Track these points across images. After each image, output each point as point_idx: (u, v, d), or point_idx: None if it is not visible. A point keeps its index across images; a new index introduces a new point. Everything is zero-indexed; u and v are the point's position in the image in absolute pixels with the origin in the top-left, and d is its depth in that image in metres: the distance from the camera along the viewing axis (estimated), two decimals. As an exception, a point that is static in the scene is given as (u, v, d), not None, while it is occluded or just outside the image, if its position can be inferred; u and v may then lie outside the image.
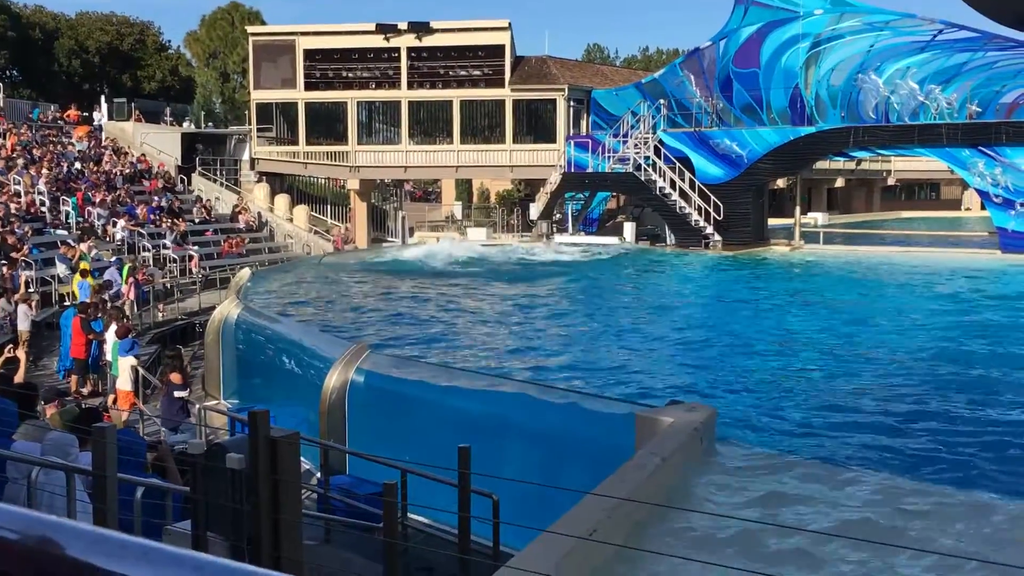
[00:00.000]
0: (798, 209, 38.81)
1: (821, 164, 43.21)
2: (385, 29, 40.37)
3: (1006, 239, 31.18)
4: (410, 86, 40.79)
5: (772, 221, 38.96)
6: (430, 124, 42.60)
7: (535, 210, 38.43)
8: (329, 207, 45.12)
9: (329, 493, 8.95)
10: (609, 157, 35.97)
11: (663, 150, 35.39)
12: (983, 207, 33.91)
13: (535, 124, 41.39)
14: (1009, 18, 32.03)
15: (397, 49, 40.52)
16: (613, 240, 35.83)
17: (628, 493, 6.61)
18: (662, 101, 36.55)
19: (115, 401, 14.79)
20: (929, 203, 68.39)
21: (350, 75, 41.47)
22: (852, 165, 52.64)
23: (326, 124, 42.82)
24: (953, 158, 32.06)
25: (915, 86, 32.84)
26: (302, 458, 6.23)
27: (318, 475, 9.98)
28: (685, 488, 7.99)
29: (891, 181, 64.58)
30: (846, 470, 8.72)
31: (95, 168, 35.71)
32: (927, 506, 7.69)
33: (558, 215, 38.48)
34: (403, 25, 40.28)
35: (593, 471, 7.59)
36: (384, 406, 11.84)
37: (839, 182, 59.64)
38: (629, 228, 36.32)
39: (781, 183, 47.91)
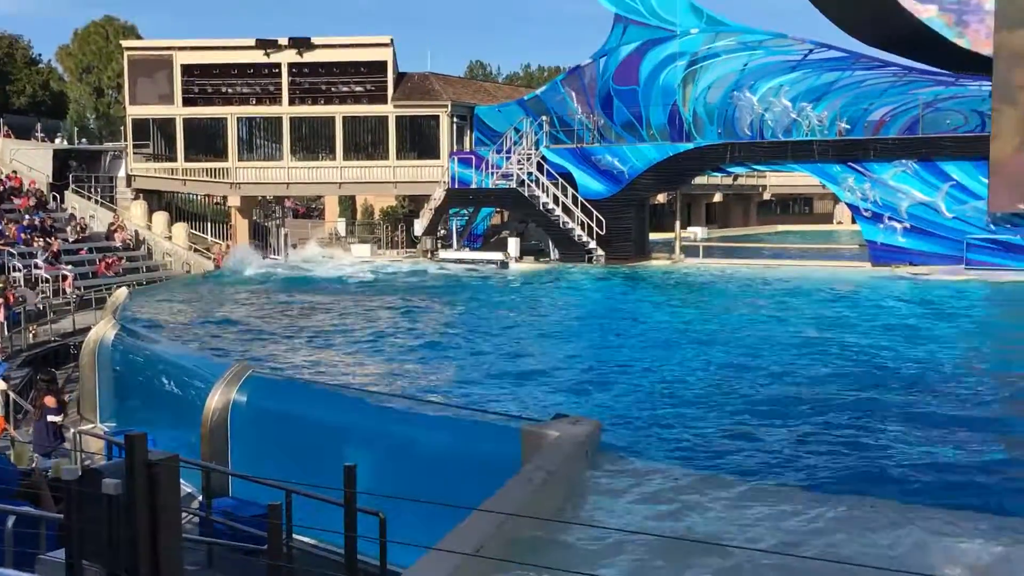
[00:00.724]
0: (678, 223, 39.62)
1: (700, 179, 44.11)
2: (265, 45, 39.88)
3: (875, 251, 32.36)
4: (292, 102, 40.36)
5: (653, 235, 39.70)
6: (312, 140, 42.20)
7: (419, 226, 38.37)
8: (209, 225, 44.24)
9: (211, 516, 8.77)
10: (493, 173, 36.19)
11: (546, 166, 35.75)
12: (854, 221, 35.06)
13: (419, 140, 41.37)
14: (874, 39, 33.40)
15: (278, 65, 40.06)
16: (498, 255, 35.99)
17: (515, 508, 6.65)
18: (544, 118, 36.95)
19: (-16, 427, 14.23)
20: (803, 217, 70.55)
21: (230, 91, 40.80)
22: (729, 180, 53.97)
23: (205, 140, 42.03)
24: (825, 173, 33.14)
25: (788, 104, 33.87)
26: (183, 481, 6.09)
27: (200, 498, 9.77)
28: (571, 501, 8.07)
29: (767, 196, 66.42)
30: (729, 480, 8.92)
31: (-40, 186, 34.38)
32: (807, 512, 7.92)
33: (443, 231, 38.48)
34: (284, 41, 39.84)
35: (480, 486, 7.60)
36: (268, 426, 11.65)
37: (717, 197, 61.08)
38: (513, 243, 36.54)
39: (661, 198, 48.82)
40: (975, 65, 31.08)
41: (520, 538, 6.81)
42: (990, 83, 29.73)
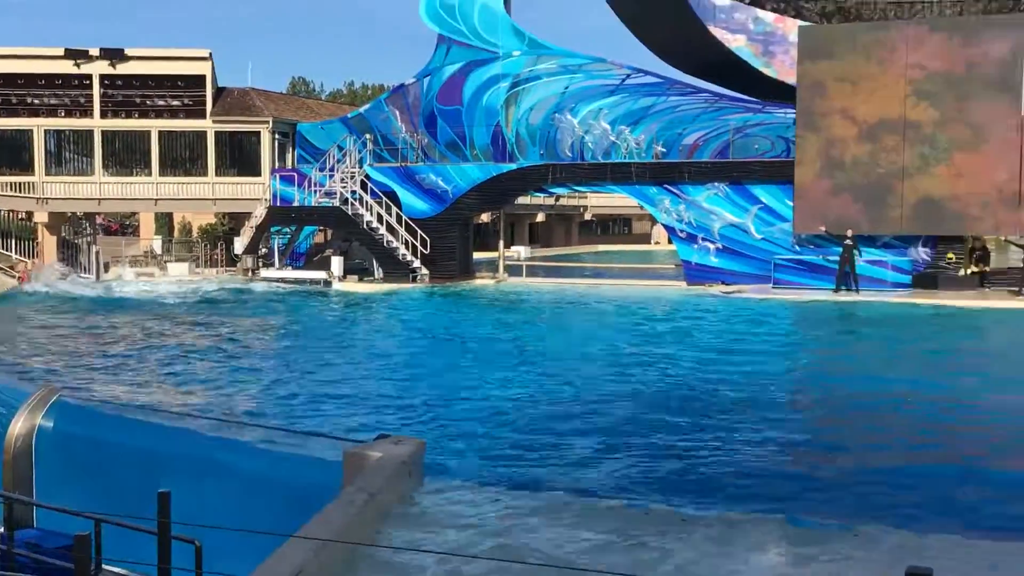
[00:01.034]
0: (501, 243, 40.08)
1: (523, 200, 44.86)
2: (75, 55, 38.30)
3: (690, 271, 33.55)
4: (104, 115, 38.88)
5: (477, 255, 40.00)
6: (126, 155, 40.68)
7: (240, 244, 37.58)
8: (13, 241, 42.04)
9: (13, 549, 8.33)
10: (316, 191, 35.81)
11: (370, 184, 35.61)
12: (670, 241, 36.19)
13: (239, 157, 40.51)
14: (688, 65, 34.71)
15: (89, 76, 38.54)
16: (321, 274, 35.61)
17: (334, 532, 6.59)
18: (368, 136, 36.80)
19: None
20: (622, 237, 72.60)
21: (36, 102, 38.97)
22: (552, 201, 54.96)
23: (9, 153, 39.97)
24: (642, 195, 34.16)
25: (607, 126, 34.76)
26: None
27: (1, 530, 9.27)
28: (393, 522, 8.05)
29: (588, 216, 68.10)
30: (558, 499, 9.08)
31: None
32: (626, 531, 8.14)
33: (264, 249, 37.80)
34: (95, 51, 38.35)
35: (301, 509, 7.50)
36: (77, 452, 11.16)
37: (540, 217, 62.19)
38: (337, 262, 36.22)
39: (485, 218, 49.34)
40: (781, 93, 32.70)
41: (341, 561, 6.75)
42: (794, 111, 31.31)
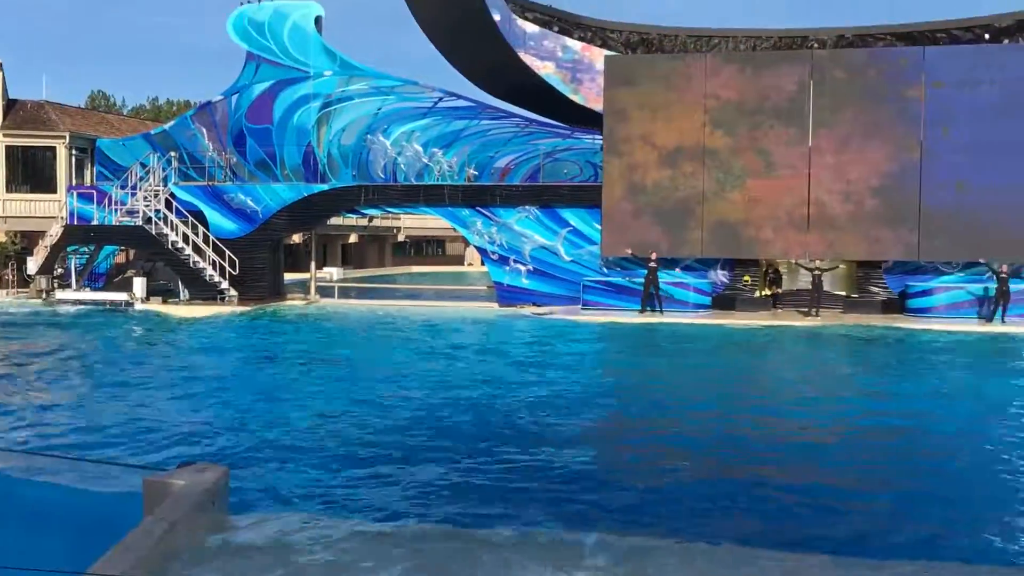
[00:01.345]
0: (313, 264, 39.62)
1: (335, 220, 44.46)
2: None
3: (502, 293, 34.05)
4: None
5: (288, 275, 39.41)
6: (-94, 168, 38.27)
7: (33, 264, 35.81)
8: None
9: None
10: (116, 210, 34.52)
11: (175, 203, 34.61)
12: (483, 263, 36.58)
13: (32, 173, 38.72)
14: (500, 90, 35.31)
15: None
16: (122, 296, 34.29)
17: (133, 563, 6.42)
18: (173, 153, 35.79)
19: None
20: (436, 259, 72.91)
21: None
22: (365, 222, 54.69)
23: None
24: (455, 217, 34.47)
25: (419, 149, 34.95)
26: None
27: None
28: (196, 554, 7.88)
29: (401, 237, 68.05)
30: (360, 524, 9.08)
31: None
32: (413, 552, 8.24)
33: (60, 270, 36.12)
34: None
35: (102, 542, 7.24)
36: None
37: (353, 238, 61.74)
38: (140, 283, 34.96)
39: (297, 238, 48.62)
40: (589, 119, 33.69)
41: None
42: (601, 136, 32.29)
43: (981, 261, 29.79)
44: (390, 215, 52.61)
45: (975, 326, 28.61)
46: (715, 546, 8.33)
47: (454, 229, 36.33)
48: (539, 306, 32.95)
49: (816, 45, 33.26)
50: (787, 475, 11.66)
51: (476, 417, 14.71)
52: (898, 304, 31.20)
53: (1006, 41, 32.03)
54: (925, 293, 30.98)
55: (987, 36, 32.34)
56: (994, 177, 29.40)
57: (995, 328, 28.28)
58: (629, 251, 31.82)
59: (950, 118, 29.68)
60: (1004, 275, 29.27)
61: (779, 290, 32.29)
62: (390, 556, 7.87)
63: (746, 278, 32.66)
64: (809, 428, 14.57)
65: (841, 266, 31.91)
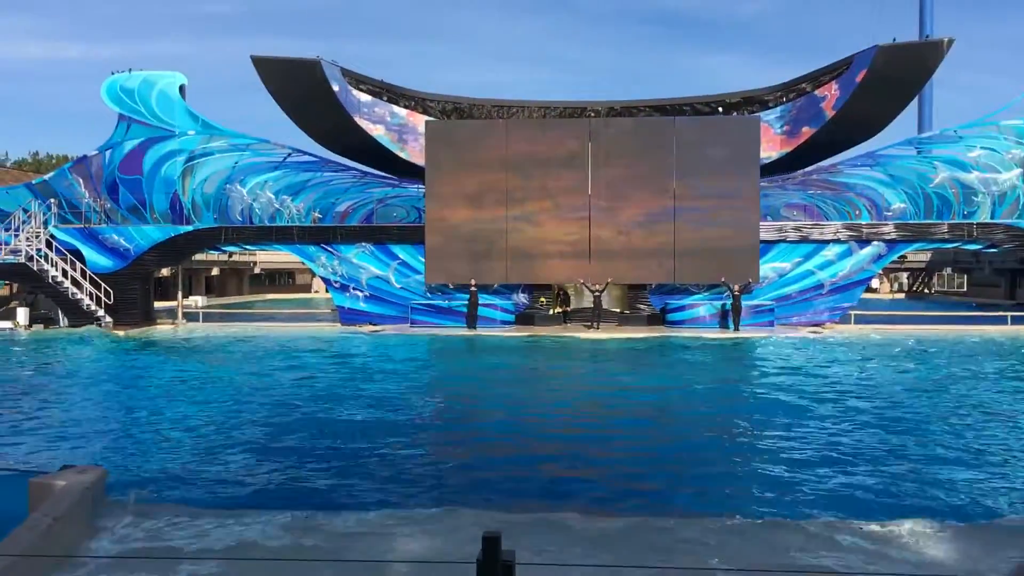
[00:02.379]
0: (180, 293, 38.27)
1: (200, 256, 43.02)
2: None
3: (344, 314, 33.79)
4: None
5: (159, 303, 37.85)
6: None
7: (-78, 298, 33.17)
8: None
9: None
10: (1, 249, 32.41)
11: (55, 243, 32.79)
12: (327, 290, 36.17)
13: (-79, 217, 35.77)
14: (338, 148, 35.07)
15: None
16: (7, 324, 32.19)
17: (23, 550, 6.20)
18: (53, 200, 33.90)
19: None
20: (288, 287, 71.37)
21: None
22: (225, 257, 53.11)
23: None
24: (303, 253, 34.00)
25: (272, 196, 34.31)
26: None
27: None
28: (76, 545, 7.62)
29: (257, 270, 66.35)
30: (228, 514, 8.94)
31: None
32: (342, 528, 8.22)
33: (-53, 303, 33.58)
34: None
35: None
36: None
37: (215, 271, 59.80)
38: (22, 312, 32.92)
39: (166, 272, 46.74)
40: (413, 172, 33.90)
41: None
42: (423, 186, 32.55)
43: (721, 281, 31.58)
44: (247, 251, 51.24)
45: (717, 333, 30.31)
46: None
47: (302, 263, 35.78)
48: (375, 324, 32.86)
49: (592, 114, 34.59)
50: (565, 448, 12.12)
51: (325, 411, 14.61)
52: (660, 318, 32.68)
53: (735, 113, 34.18)
54: (680, 308, 32.59)
55: (720, 109, 34.42)
56: (726, 218, 31.26)
57: (732, 334, 30.04)
58: (451, 284, 32.26)
59: (694, 172, 31.40)
60: (736, 293, 31.13)
61: (568, 308, 33.27)
62: (268, 532, 7.83)
63: (541, 299, 33.52)
64: (584, 410, 15.16)
65: (609, 281, 33.15)
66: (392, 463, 11.28)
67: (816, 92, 33.02)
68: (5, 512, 7.87)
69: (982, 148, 32.51)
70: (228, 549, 7.48)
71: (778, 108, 33.83)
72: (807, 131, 33.01)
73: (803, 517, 8.67)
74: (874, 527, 8.21)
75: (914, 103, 56.84)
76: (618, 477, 10.58)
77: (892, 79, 30.79)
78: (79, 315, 32.19)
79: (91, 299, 32.41)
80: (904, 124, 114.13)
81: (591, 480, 10.45)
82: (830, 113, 32.31)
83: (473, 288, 31.48)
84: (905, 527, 8.15)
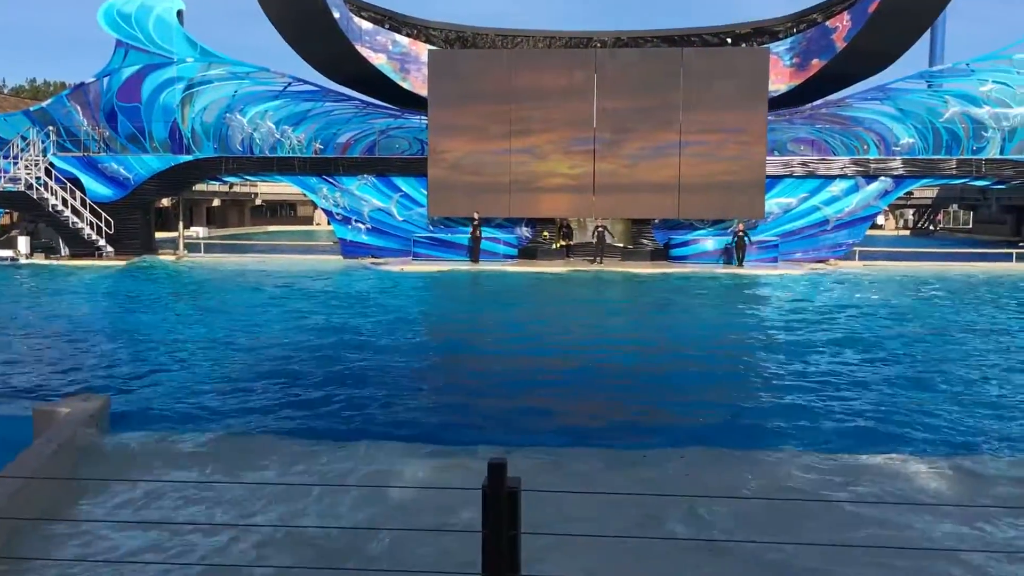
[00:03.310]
0: (181, 224, 38.17)
1: (200, 187, 42.81)
2: None
3: (345, 247, 33.74)
4: None
5: (160, 234, 37.81)
6: None
7: (-78, 227, 33.12)
8: None
9: None
10: (0, 177, 32.23)
11: (54, 172, 32.60)
12: (329, 222, 36.07)
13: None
14: (340, 77, 34.60)
15: None
16: (7, 252, 32.19)
17: (24, 480, 6.26)
18: (51, 128, 33.60)
19: None
20: (289, 219, 71.21)
21: None
22: (226, 188, 52.87)
23: None
24: (305, 184, 33.80)
25: (272, 126, 33.97)
26: None
27: None
28: (82, 468, 7.70)
29: (258, 202, 66.10)
30: (253, 438, 9.01)
31: None
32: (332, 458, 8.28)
33: (-52, 231, 33.54)
34: None
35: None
36: None
37: (216, 202, 59.57)
38: (23, 241, 32.89)
39: (166, 202, 46.58)
40: (416, 103, 33.50)
41: (37, 503, 6.42)
42: (426, 117, 32.20)
43: (732, 231, 31.40)
44: (248, 182, 50.94)
45: (721, 268, 30.28)
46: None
47: (304, 194, 35.59)
48: (377, 258, 32.82)
49: (598, 44, 34.01)
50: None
51: (335, 340, 14.67)
52: (664, 253, 32.60)
53: (744, 45, 33.61)
54: (684, 244, 32.49)
55: (729, 40, 33.84)
56: (732, 152, 30.97)
57: (737, 270, 30.01)
58: (450, 213, 32.11)
59: (700, 105, 31.00)
60: (741, 231, 31.01)
61: (571, 243, 33.17)
62: (264, 463, 7.90)
63: (544, 233, 33.40)
64: (588, 349, 15.21)
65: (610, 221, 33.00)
66: (393, 395, 11.35)
67: (827, 23, 32.43)
68: (11, 440, 7.94)
69: (994, 82, 32.04)
70: (228, 479, 7.55)
71: (788, 39, 33.26)
72: (817, 63, 32.50)
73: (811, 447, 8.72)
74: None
75: (926, 35, 55.91)
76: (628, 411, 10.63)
77: (905, 10, 30.17)
78: (80, 244, 32.17)
79: (92, 228, 32.34)
80: (916, 56, 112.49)
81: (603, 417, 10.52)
82: (841, 45, 31.76)
83: (476, 222, 31.37)
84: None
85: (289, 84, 33.84)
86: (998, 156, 32.05)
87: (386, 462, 8.05)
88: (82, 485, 7.12)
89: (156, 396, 11.00)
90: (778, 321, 18.40)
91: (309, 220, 69.72)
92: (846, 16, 31.78)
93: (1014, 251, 34.27)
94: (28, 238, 33.41)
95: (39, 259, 32.04)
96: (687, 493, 6.91)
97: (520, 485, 3.27)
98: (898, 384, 11.91)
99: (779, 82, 32.69)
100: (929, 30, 45.11)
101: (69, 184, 32.52)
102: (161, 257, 33.71)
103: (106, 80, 33.81)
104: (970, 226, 62.02)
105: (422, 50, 33.65)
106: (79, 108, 34.00)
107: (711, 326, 18.08)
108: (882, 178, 32.29)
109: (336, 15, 32.14)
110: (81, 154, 33.36)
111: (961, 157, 32.07)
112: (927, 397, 11.06)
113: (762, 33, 33.66)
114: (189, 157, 33.34)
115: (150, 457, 8.15)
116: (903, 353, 14.32)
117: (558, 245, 33.06)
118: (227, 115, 33.87)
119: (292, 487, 7.01)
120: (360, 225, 33.57)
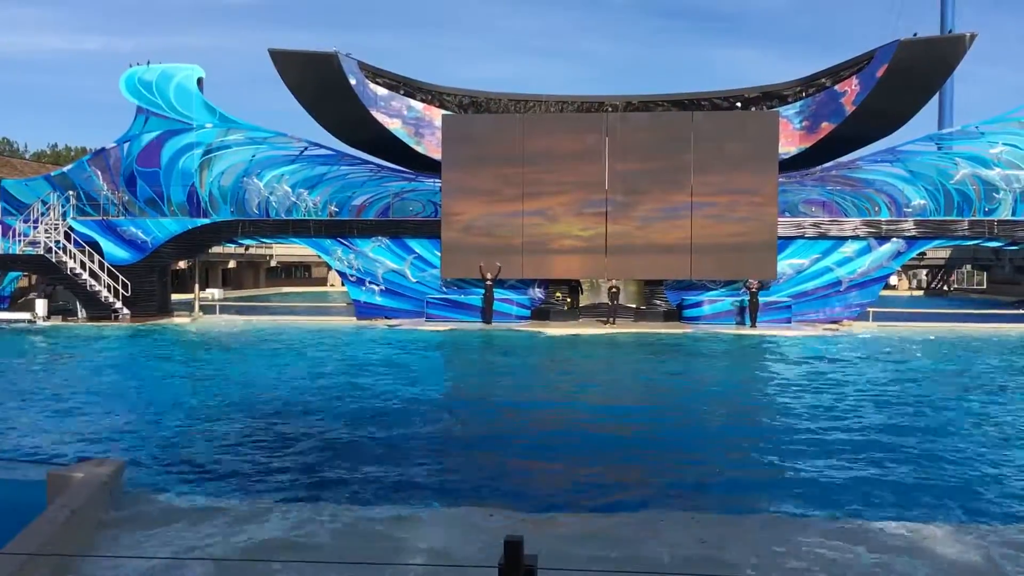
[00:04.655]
0: (196, 286, 38.42)
1: (216, 249, 43.09)
2: None
3: (360, 308, 33.84)
4: None
5: (175, 296, 38.05)
6: None
7: (-58, 289, 33.42)
8: None
9: None
10: (20, 240, 32.64)
11: (73, 235, 32.99)
12: (343, 284, 36.24)
13: (-59, 208, 36.05)
14: (355, 142, 35.08)
15: None
16: (25, 315, 32.42)
17: (39, 546, 6.22)
18: (71, 192, 34.12)
19: None
20: (304, 280, 71.56)
21: None
22: (241, 250, 53.17)
23: None
24: (319, 246, 34.06)
25: (288, 189, 34.37)
26: None
27: None
28: (95, 536, 7.65)
29: (273, 263, 66.53)
30: (257, 501, 8.94)
31: None
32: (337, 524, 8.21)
33: (-33, 294, 33.82)
34: None
35: (6, 533, 6.94)
36: None
37: (231, 264, 60.01)
38: (41, 304, 33.13)
39: (182, 264, 46.95)
40: (430, 166, 33.87)
41: (47, 573, 6.36)
42: (440, 180, 32.52)
43: (744, 287, 31.39)
44: (263, 244, 51.35)
45: (734, 329, 30.16)
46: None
47: (319, 256, 35.83)
48: (390, 319, 32.88)
49: (610, 108, 34.44)
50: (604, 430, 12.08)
51: (348, 400, 14.63)
52: (677, 314, 32.54)
53: (753, 108, 33.96)
54: (697, 304, 32.44)
55: (738, 104, 34.21)
56: (744, 214, 31.09)
57: (749, 331, 29.88)
58: (461, 275, 32.22)
59: (711, 167, 31.24)
60: (753, 290, 30.97)
61: (577, 304, 33.06)
62: (267, 526, 7.82)
63: (557, 294, 33.42)
64: (603, 406, 15.11)
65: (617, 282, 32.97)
66: (402, 455, 11.27)
67: (836, 87, 32.77)
68: (26, 504, 7.91)
69: (1004, 144, 32.19)
70: (240, 545, 7.48)
71: (797, 103, 33.59)
72: (826, 126, 32.78)
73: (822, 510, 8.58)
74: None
75: (935, 98, 56.32)
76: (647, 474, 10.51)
77: (913, 74, 30.51)
78: (97, 306, 32.40)
79: (109, 291, 32.60)
80: (924, 119, 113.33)
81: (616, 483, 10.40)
82: (850, 108, 32.06)
83: (489, 283, 31.49)
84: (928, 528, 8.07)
85: (306, 148, 34.32)
86: (1011, 217, 32.05)
87: (395, 527, 7.97)
88: (93, 552, 7.06)
89: (174, 461, 10.96)
90: (803, 382, 18.21)
91: (324, 281, 70.03)
92: (855, 80, 32.14)
93: (1029, 311, 34.03)
94: (46, 301, 33.68)
95: (56, 321, 32.28)
96: (714, 574, 6.79)
97: (536, 563, 3.22)
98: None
99: (789, 145, 32.96)
100: (937, 94, 45.49)
101: (88, 247, 32.88)
102: (176, 320, 33.86)
103: (126, 145, 34.41)
104: (984, 287, 61.71)
105: (436, 115, 34.15)
106: (99, 172, 34.54)
107: (763, 406, 17.92)
108: (894, 239, 32.30)
109: (352, 81, 32.77)
110: (100, 218, 33.81)
111: (973, 218, 32.09)
112: None
113: (771, 97, 34.03)
114: (207, 220, 33.72)
115: (163, 525, 8.09)
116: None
117: (559, 297, 33.08)
118: (244, 179, 34.31)
119: (305, 564, 6.94)
120: (374, 287, 33.71)
